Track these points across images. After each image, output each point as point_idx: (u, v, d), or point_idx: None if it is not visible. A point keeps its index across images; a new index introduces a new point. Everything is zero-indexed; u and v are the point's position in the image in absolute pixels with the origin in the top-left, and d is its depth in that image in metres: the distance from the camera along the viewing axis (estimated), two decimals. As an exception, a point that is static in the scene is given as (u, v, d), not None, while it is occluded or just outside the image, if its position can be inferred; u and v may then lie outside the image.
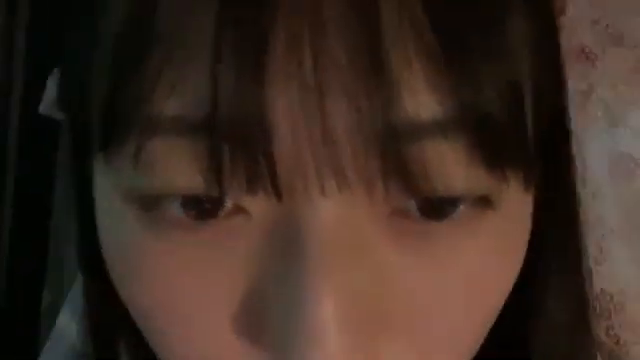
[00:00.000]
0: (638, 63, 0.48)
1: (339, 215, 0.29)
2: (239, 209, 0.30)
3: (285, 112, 0.28)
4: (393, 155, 0.28)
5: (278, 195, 0.29)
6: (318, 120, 0.28)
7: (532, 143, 0.31)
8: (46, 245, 0.65)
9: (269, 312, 0.30)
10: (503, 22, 0.30)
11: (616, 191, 0.46)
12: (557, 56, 0.34)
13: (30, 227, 0.66)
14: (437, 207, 0.30)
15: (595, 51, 0.48)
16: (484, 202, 0.30)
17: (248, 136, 0.28)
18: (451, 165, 0.29)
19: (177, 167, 0.30)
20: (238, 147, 0.28)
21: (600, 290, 0.42)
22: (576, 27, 0.49)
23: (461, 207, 0.30)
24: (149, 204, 0.31)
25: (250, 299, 0.31)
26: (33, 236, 0.66)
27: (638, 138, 0.48)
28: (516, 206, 0.32)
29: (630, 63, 0.48)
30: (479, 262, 0.31)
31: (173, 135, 0.29)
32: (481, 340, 0.33)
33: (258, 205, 0.30)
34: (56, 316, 0.52)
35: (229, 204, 0.30)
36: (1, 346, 0.64)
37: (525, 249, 0.33)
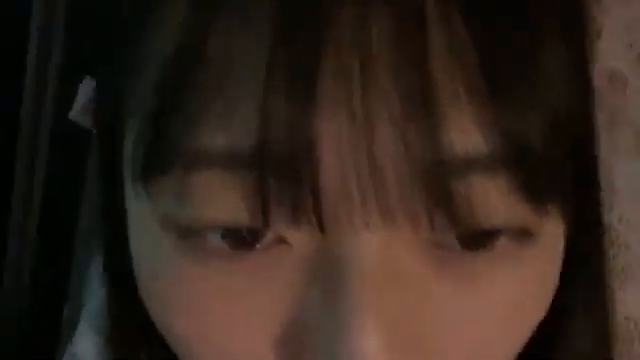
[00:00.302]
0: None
1: (382, 248, 0.29)
2: (280, 240, 0.30)
3: (333, 144, 0.28)
4: (439, 189, 0.28)
5: (322, 227, 0.29)
6: (365, 152, 0.28)
7: (570, 178, 0.31)
8: (70, 258, 0.65)
9: (310, 343, 0.30)
10: (542, 51, 0.30)
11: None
12: (589, 81, 0.34)
13: (55, 238, 0.66)
14: (478, 239, 0.30)
15: (626, 75, 0.47)
16: (524, 234, 0.30)
17: (296, 168, 0.28)
18: (494, 198, 0.29)
19: (221, 199, 0.30)
20: (285, 179, 0.28)
21: (624, 317, 0.41)
22: (607, 51, 0.48)
23: (501, 239, 0.30)
24: (188, 233, 0.31)
25: (289, 329, 0.31)
26: (58, 247, 0.67)
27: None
28: (553, 237, 0.32)
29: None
30: (516, 292, 0.31)
31: (219, 168, 0.29)
32: None
33: (300, 236, 0.30)
34: (73, 331, 0.52)
35: (270, 235, 0.30)
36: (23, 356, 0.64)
37: (557, 280, 0.33)
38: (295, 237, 0.30)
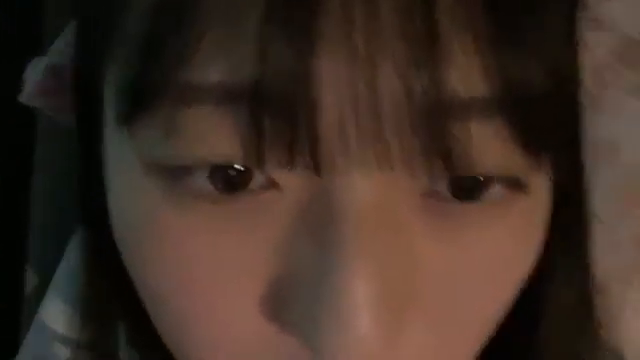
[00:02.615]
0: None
1: (376, 195, 0.29)
2: (271, 183, 0.29)
3: (332, 81, 0.27)
4: (437, 132, 0.28)
5: (317, 169, 0.28)
6: (365, 91, 0.27)
7: (564, 129, 0.32)
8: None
9: (299, 294, 0.29)
10: (550, 6, 0.30)
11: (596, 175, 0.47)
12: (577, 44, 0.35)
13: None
14: (469, 188, 0.30)
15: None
16: (516, 184, 0.31)
17: (293, 107, 0.27)
18: (491, 145, 0.29)
19: (212, 135, 0.28)
20: (281, 117, 0.27)
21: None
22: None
23: (492, 188, 0.31)
24: (175, 175, 0.30)
25: (279, 280, 0.30)
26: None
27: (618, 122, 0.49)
28: (543, 193, 0.33)
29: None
30: (507, 244, 0.32)
31: (212, 103, 0.28)
32: (496, 323, 0.33)
33: (292, 180, 0.29)
34: (39, 302, 0.51)
35: (261, 177, 0.29)
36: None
37: (544, 235, 0.34)
38: (288, 180, 0.29)
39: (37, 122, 0.57)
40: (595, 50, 0.49)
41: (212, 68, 0.28)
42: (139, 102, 0.30)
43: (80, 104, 0.36)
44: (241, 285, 0.31)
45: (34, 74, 0.39)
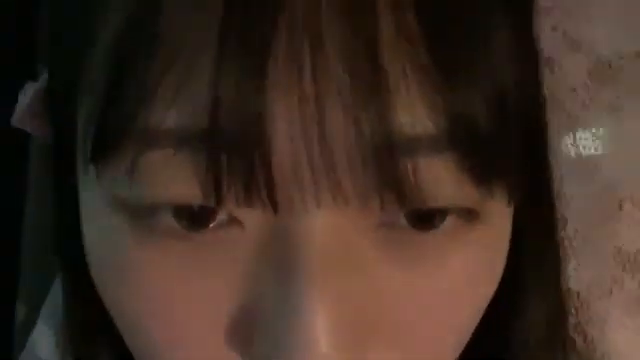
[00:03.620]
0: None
1: (332, 227, 0.30)
2: (232, 220, 0.30)
3: (284, 122, 0.28)
4: (388, 169, 0.29)
5: (274, 207, 0.29)
6: (316, 133, 0.28)
7: (517, 156, 0.32)
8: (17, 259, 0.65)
9: (262, 321, 0.30)
10: (490, 35, 0.31)
11: (578, 191, 0.48)
12: (536, 65, 0.35)
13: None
14: (425, 218, 0.31)
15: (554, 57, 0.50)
16: (470, 214, 0.32)
17: (247, 146, 0.28)
18: (442, 178, 0.30)
19: (173, 177, 0.29)
20: (236, 157, 0.28)
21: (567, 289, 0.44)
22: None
23: (448, 219, 0.31)
24: (141, 214, 0.31)
25: (243, 308, 0.31)
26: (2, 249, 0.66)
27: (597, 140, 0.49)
28: (500, 218, 0.33)
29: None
30: (464, 272, 0.32)
31: (172, 146, 0.29)
32: (464, 342, 0.34)
33: (252, 216, 0.30)
34: (28, 333, 0.52)
35: (223, 215, 0.30)
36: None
37: (506, 257, 0.34)
38: (248, 217, 0.30)
39: (30, 156, 0.57)
40: (572, 71, 0.50)
41: (169, 112, 0.29)
42: (103, 143, 0.30)
43: (55, 134, 0.37)
44: (206, 312, 0.31)
45: (25, 98, 0.40)
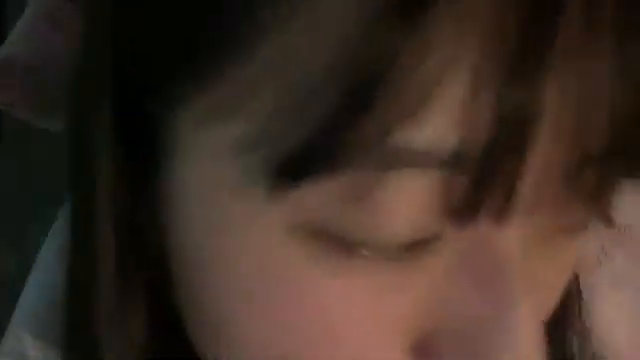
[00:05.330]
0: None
1: (524, 236, 0.28)
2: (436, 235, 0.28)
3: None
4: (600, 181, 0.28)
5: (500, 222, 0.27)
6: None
7: None
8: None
9: (461, 334, 0.29)
10: None
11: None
12: None
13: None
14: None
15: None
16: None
17: (512, 157, 0.26)
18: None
19: (409, 204, 0.26)
20: (490, 182, 0.26)
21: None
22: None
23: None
24: (343, 244, 0.27)
25: (432, 329, 0.29)
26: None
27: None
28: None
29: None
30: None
31: (416, 167, 0.26)
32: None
33: (459, 234, 0.28)
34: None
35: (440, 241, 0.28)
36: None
37: None
38: (445, 229, 0.28)
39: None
40: None
41: (415, 131, 0.25)
42: (313, 167, 0.26)
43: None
44: (393, 337, 0.29)
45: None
